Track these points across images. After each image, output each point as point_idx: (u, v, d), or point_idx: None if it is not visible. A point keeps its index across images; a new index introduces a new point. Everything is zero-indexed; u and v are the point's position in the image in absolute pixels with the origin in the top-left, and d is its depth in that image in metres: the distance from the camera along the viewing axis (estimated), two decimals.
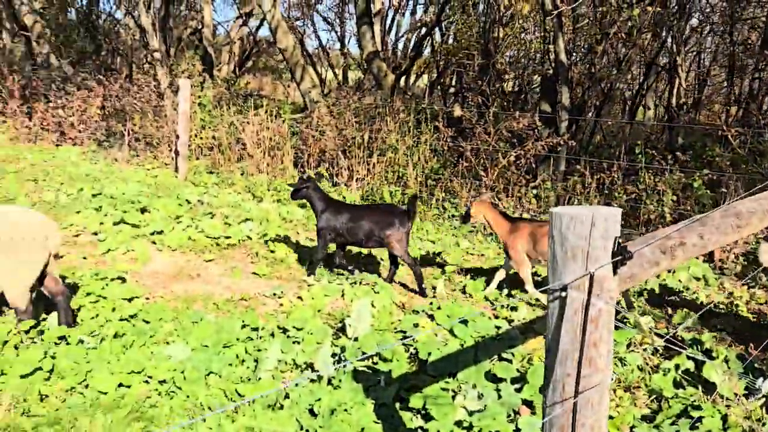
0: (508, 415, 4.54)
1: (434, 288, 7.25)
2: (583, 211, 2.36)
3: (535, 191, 9.92)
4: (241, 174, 12.02)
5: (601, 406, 2.47)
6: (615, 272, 2.41)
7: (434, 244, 8.55)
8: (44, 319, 5.76)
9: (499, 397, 4.67)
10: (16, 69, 17.30)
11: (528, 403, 4.65)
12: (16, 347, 5.35)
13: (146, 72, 16.01)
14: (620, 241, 2.39)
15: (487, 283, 7.30)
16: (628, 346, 5.61)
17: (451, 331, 5.81)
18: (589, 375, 2.43)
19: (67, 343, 5.42)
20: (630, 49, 12.94)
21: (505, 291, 7.16)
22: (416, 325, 6.00)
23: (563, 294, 2.41)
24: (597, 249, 2.35)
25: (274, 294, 7.00)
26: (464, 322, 5.89)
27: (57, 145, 14.95)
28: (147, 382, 4.96)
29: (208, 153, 13.20)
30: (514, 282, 7.34)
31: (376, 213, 7.33)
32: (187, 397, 4.73)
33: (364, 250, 8.28)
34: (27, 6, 18.32)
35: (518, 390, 4.78)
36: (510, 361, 5.34)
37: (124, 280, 7.23)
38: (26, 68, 17.08)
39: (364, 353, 5.19)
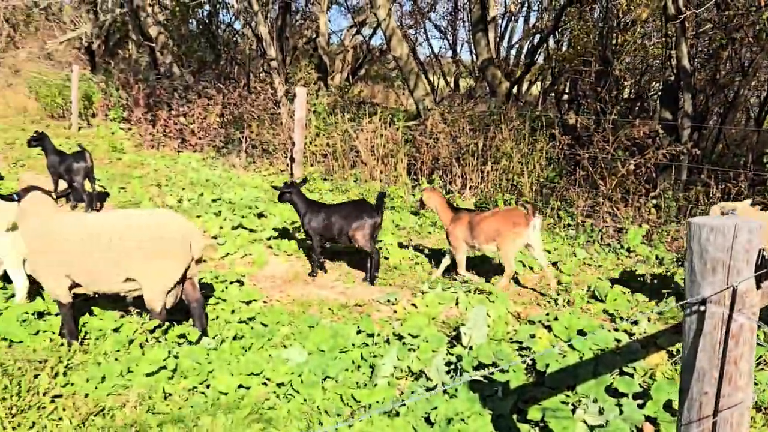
0: None
1: (555, 300, 7.11)
2: (725, 222, 2.25)
3: (655, 201, 9.62)
4: (355, 181, 12.13)
5: (741, 427, 2.35)
6: (759, 286, 2.28)
7: (549, 254, 8.39)
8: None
9: (621, 412, 4.52)
10: (141, 78, 18.02)
11: (651, 420, 4.49)
12: (141, 346, 5.53)
13: (263, 80, 16.37)
14: (765, 253, 2.26)
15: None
16: (757, 364, 5.35)
17: (569, 344, 5.67)
18: (729, 394, 2.31)
19: (189, 343, 5.55)
20: (757, 54, 12.38)
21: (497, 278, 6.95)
22: (533, 336, 5.89)
23: (702, 308, 2.30)
24: (739, 261, 2.24)
25: (388, 300, 7.01)
26: (582, 333, 5.74)
27: (178, 152, 15.48)
28: (265, 384, 5.04)
29: (322, 160, 13.39)
30: (493, 269, 7.13)
31: (345, 210, 7.80)
32: (304, 400, 4.78)
33: (477, 259, 8.23)
34: (152, 18, 19.07)
35: (641, 406, 4.62)
36: (631, 376, 5.16)
37: (242, 283, 7.39)
38: (150, 77, 17.75)
39: (480, 363, 5.13)
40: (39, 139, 10.45)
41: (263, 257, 8.28)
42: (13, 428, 4.48)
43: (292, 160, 12.41)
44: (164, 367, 5.12)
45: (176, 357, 5.33)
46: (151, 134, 16.12)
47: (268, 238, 8.82)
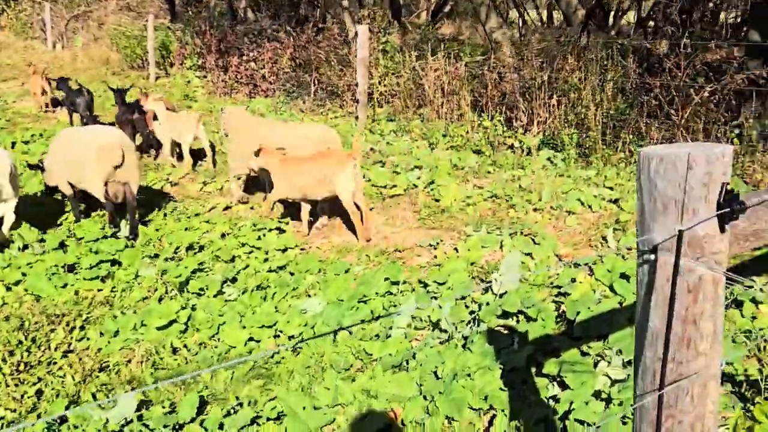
0: None
1: (604, 238, 6.62)
2: (677, 150, 1.82)
3: (737, 131, 8.85)
4: (421, 120, 11.71)
5: (706, 399, 1.94)
6: (722, 229, 1.85)
7: (612, 191, 7.83)
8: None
9: None
10: (216, 25, 17.91)
11: None
12: (160, 299, 5.39)
13: (335, 21, 16.00)
14: (729, 188, 1.83)
15: None
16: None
17: (611, 288, 5.21)
18: (688, 360, 1.90)
19: (207, 296, 5.39)
20: None
21: None
22: (573, 281, 5.45)
23: (652, 257, 1.89)
24: (694, 199, 1.81)
25: (430, 245, 6.67)
26: (626, 277, 5.27)
27: (251, 98, 15.34)
28: (277, 336, 4.82)
29: (391, 100, 13.00)
30: None
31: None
32: (313, 354, 4.53)
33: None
34: None
35: None
36: None
37: (282, 230, 7.18)
38: (223, 23, 17.62)
39: (505, 311, 4.75)
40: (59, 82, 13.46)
41: None
42: (16, 385, 4.41)
43: (357, 101, 12.09)
44: (176, 321, 4.97)
45: (193, 309, 5.18)
46: (223, 81, 16.03)
47: None
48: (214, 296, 5.41)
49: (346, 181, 6.73)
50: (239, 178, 8.35)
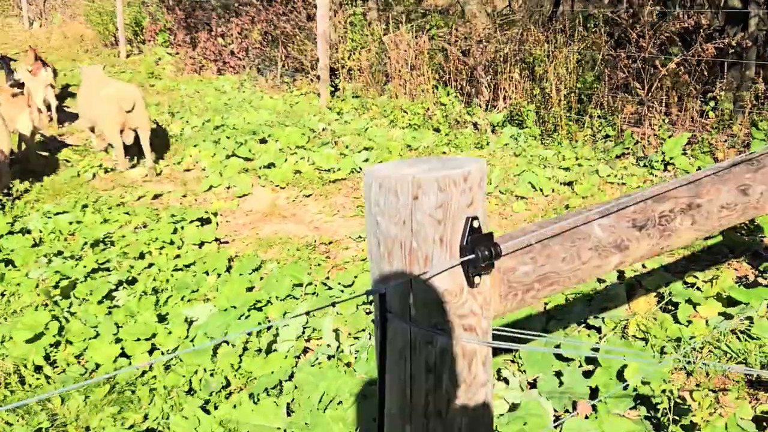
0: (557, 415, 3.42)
1: None
2: (402, 170, 1.26)
3: (713, 104, 8.24)
4: (387, 97, 11.12)
5: None
6: (471, 282, 1.30)
7: (567, 172, 7.25)
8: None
9: (561, 383, 3.56)
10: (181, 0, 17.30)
11: (594, 393, 3.51)
12: (37, 307, 4.87)
13: None
14: (480, 223, 1.28)
15: None
16: None
17: None
18: None
19: (90, 302, 4.85)
20: None
21: None
22: None
23: (382, 320, 1.34)
24: (425, 242, 1.26)
25: (360, 237, 6.13)
26: None
27: (220, 74, 14.76)
28: (152, 351, 4.29)
29: (359, 76, 12.39)
30: None
31: None
32: (186, 373, 4.00)
33: None
34: None
35: (588, 374, 3.64)
36: (598, 330, 4.17)
37: (207, 221, 6.65)
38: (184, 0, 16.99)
39: None
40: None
41: (246, 190, 7.51)
42: None
43: (318, 78, 11.50)
44: (45, 332, 4.44)
45: (66, 319, 4.65)
46: (191, 58, 15.44)
47: (261, 167, 8.01)
48: (99, 302, 4.88)
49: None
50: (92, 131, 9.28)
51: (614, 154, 7.83)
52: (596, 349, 3.84)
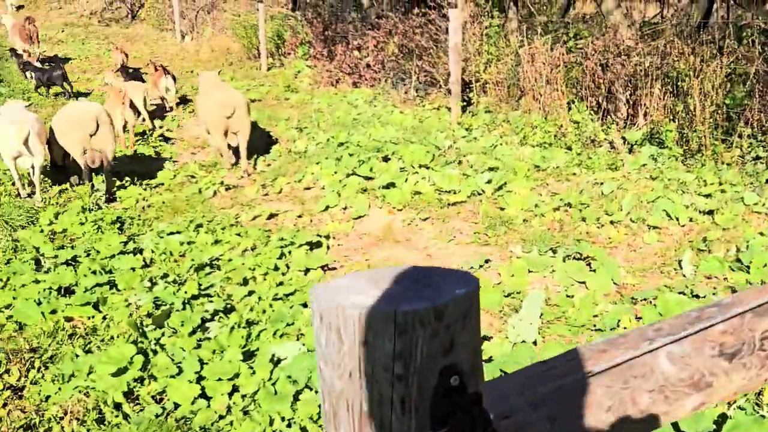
0: None
1: (680, 263, 5.44)
2: (357, 295, 0.91)
3: None
4: (519, 112, 10.62)
5: None
6: None
7: (708, 199, 6.55)
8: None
9: None
10: (330, 13, 17.36)
11: None
12: (128, 340, 4.74)
13: (448, 4, 15.00)
14: (463, 379, 0.89)
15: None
16: None
17: None
18: None
19: (180, 335, 4.68)
20: None
21: None
22: (615, 326, 4.38)
23: None
24: (383, 403, 0.89)
25: (471, 267, 5.72)
26: None
27: (355, 87, 14.64)
28: (233, 393, 4.05)
29: (494, 90, 11.94)
30: None
31: None
32: (261, 422, 3.73)
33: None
34: None
35: None
36: None
37: (317, 245, 6.43)
38: (333, 10, 17.02)
39: (503, 373, 3.77)
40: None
41: (362, 211, 7.25)
42: None
43: (449, 92, 11.15)
44: (128, 366, 4.28)
45: (154, 352, 4.49)
46: (328, 71, 15.43)
47: (381, 187, 7.73)
48: (191, 334, 4.71)
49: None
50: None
51: (764, 178, 7.05)
52: None
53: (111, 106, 9.81)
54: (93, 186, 8.27)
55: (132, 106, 10.66)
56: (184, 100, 13.93)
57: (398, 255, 6.29)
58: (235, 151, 9.16)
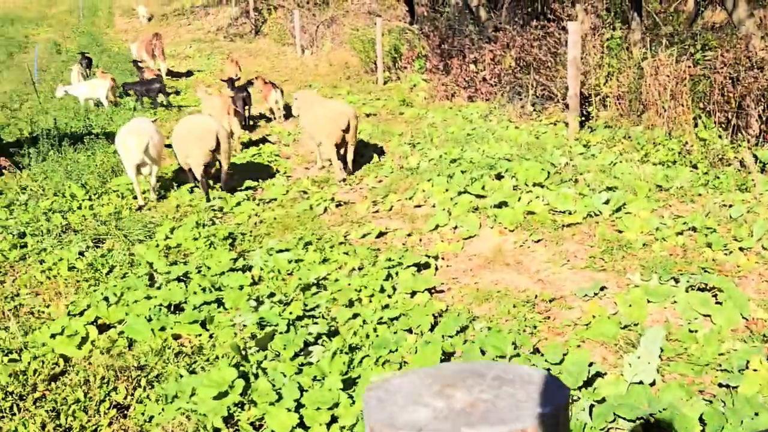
0: None
1: None
2: (416, 407, 0.74)
3: None
4: (641, 128, 10.17)
5: None
6: None
7: None
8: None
9: None
10: (448, 26, 17.22)
11: None
12: (238, 366, 4.70)
13: (568, 16, 14.62)
14: None
15: None
16: None
17: None
18: None
19: (282, 359, 4.61)
20: None
21: None
22: (743, 369, 4.03)
23: None
24: None
25: (585, 295, 5.43)
26: None
27: (471, 101, 14.43)
28: (331, 424, 3.93)
29: (615, 104, 11.50)
30: None
31: None
32: None
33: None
34: None
35: None
36: None
37: (425, 266, 6.29)
38: (441, 26, 16.88)
39: (617, 416, 3.51)
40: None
41: (473, 230, 7.05)
42: None
43: (567, 106, 10.81)
44: (228, 390, 4.24)
45: (255, 376, 4.43)
46: (444, 84, 15.29)
47: (493, 206, 7.50)
48: (292, 358, 4.63)
49: None
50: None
51: None
52: None
53: (217, 115, 10.42)
54: (208, 198, 8.63)
55: (236, 114, 11.41)
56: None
57: (508, 279, 6.06)
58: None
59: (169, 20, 35.73)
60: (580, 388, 3.93)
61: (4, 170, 10.54)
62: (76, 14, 38.65)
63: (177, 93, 18.03)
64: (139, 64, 19.19)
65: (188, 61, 25.01)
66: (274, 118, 14.40)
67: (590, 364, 4.13)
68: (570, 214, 7.10)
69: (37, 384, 4.74)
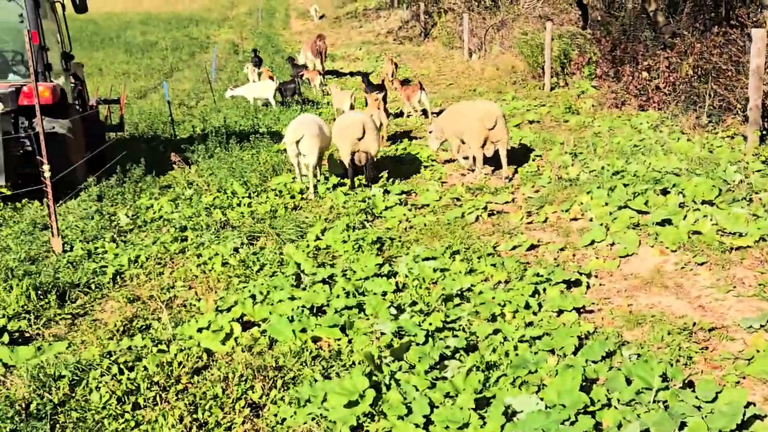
0: None
1: None
2: None
3: None
4: None
5: None
6: None
7: None
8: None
9: None
10: (607, 32, 16.60)
11: None
12: (364, 372, 4.62)
13: (742, 24, 13.70)
14: None
15: None
16: None
17: None
18: None
19: (416, 372, 4.48)
20: None
21: None
22: None
23: None
24: None
25: (750, 326, 4.98)
26: None
27: (642, 110, 13.76)
28: None
29: None
30: None
31: None
32: None
33: None
34: None
35: None
36: None
37: (576, 284, 6.00)
38: (614, 31, 16.24)
39: None
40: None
41: (631, 248, 6.67)
42: None
43: (746, 119, 10.09)
44: (359, 399, 4.15)
45: (387, 387, 4.33)
46: (613, 92, 14.69)
47: (656, 224, 7.07)
48: (426, 372, 4.49)
49: None
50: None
51: None
52: None
53: (368, 110, 11.63)
54: (353, 186, 9.61)
55: (385, 110, 12.29)
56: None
57: (665, 303, 5.66)
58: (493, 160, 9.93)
59: (342, 22, 36.57)
60: None
61: (174, 165, 11.03)
62: (255, 16, 40.32)
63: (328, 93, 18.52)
64: (296, 62, 20.33)
65: (357, 63, 25.45)
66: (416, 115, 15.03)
67: (747, 405, 3.75)
68: (740, 236, 6.56)
69: (181, 376, 4.86)
